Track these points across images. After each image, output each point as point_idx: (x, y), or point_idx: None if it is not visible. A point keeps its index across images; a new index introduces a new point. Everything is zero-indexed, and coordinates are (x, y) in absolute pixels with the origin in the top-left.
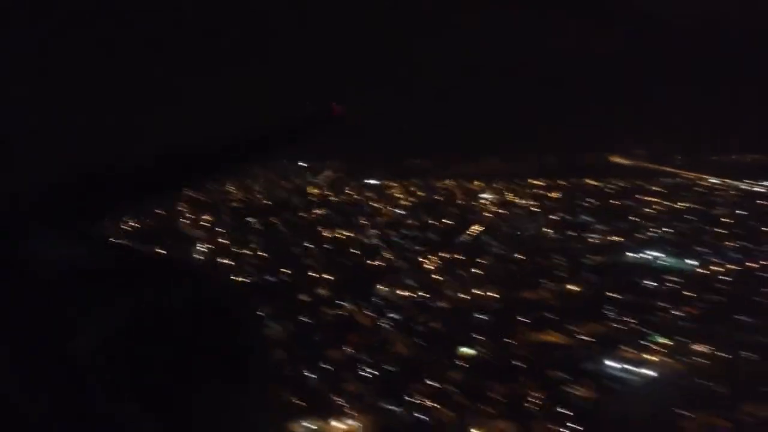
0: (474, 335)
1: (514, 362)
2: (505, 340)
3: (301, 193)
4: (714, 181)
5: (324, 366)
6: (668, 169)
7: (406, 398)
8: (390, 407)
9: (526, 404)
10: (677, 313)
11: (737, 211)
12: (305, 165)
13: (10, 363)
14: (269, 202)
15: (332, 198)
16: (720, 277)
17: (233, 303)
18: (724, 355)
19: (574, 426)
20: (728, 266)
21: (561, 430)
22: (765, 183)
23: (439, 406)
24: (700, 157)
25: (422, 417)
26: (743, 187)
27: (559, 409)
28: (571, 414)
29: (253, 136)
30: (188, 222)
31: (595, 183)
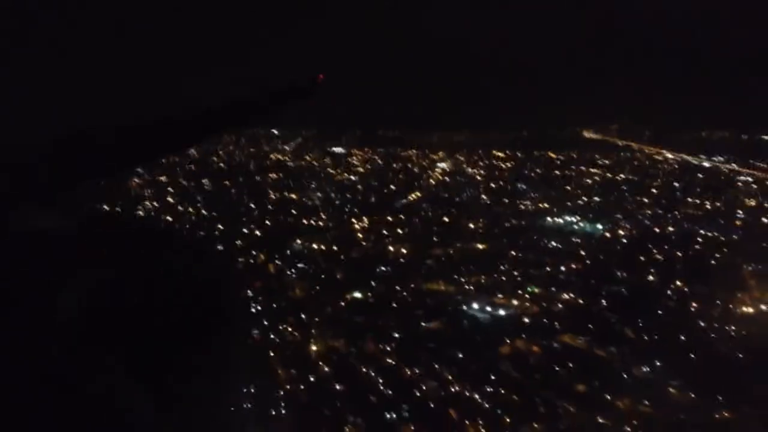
0: (372, 283)
1: (393, 304)
2: (395, 287)
3: (261, 158)
4: (669, 156)
5: None
6: (630, 143)
7: (285, 329)
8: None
9: (392, 336)
10: (562, 268)
11: (674, 183)
12: (276, 132)
13: None
14: (225, 166)
15: (290, 163)
16: (621, 239)
17: (208, 267)
18: (581, 302)
19: (429, 347)
20: (633, 230)
21: (417, 355)
22: (716, 158)
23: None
24: (669, 134)
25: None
26: (693, 161)
27: (416, 342)
28: (428, 345)
29: (231, 102)
30: (140, 182)
31: (552, 155)
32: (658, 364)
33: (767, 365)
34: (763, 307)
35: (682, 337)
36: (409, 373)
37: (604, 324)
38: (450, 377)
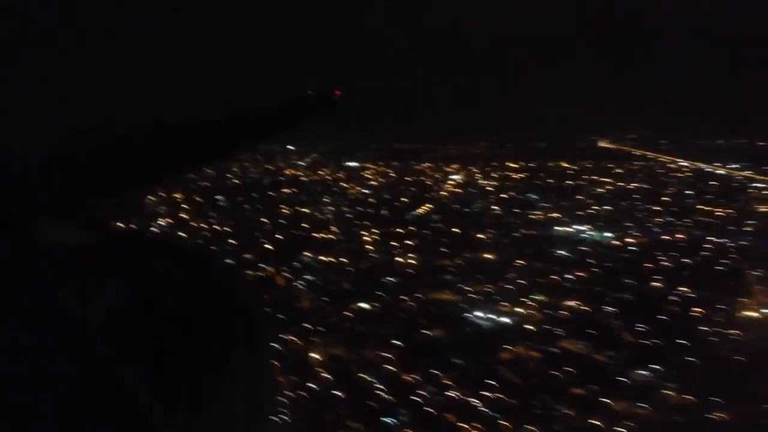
0: (378, 293)
1: (398, 314)
2: (400, 297)
3: (275, 174)
4: (683, 164)
5: None
6: (645, 152)
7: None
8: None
9: (391, 344)
10: (569, 276)
11: (685, 191)
12: (292, 148)
13: (21, 339)
14: (238, 182)
15: (303, 178)
16: (629, 247)
17: (227, 281)
18: (587, 309)
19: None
20: (641, 238)
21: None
22: (731, 166)
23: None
24: (685, 142)
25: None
26: (707, 169)
27: (418, 350)
28: (427, 352)
29: (248, 120)
30: (155, 199)
31: (566, 165)
32: (657, 367)
33: (765, 368)
34: (765, 311)
35: (683, 341)
36: (406, 378)
37: (604, 330)
38: (448, 382)
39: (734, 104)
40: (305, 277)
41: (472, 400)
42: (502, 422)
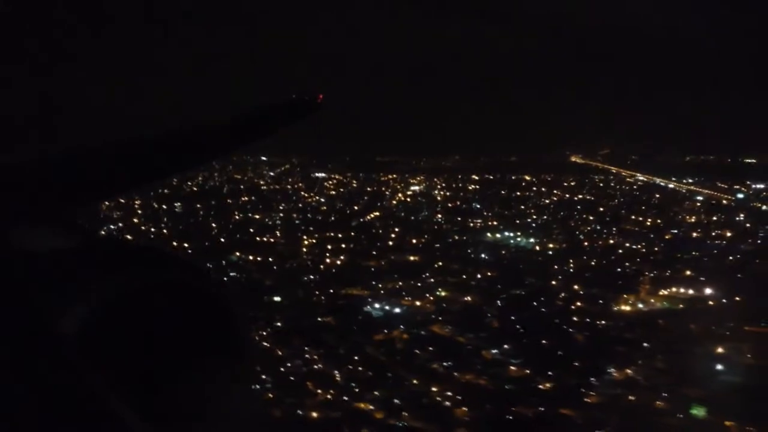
0: (294, 289)
1: (301, 305)
2: (315, 292)
3: (238, 182)
4: (641, 178)
5: None
6: (610, 167)
7: None
8: None
9: (276, 327)
10: (478, 275)
11: (625, 203)
12: (264, 159)
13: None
14: (196, 190)
15: (264, 187)
16: (546, 252)
17: (212, 286)
18: (476, 301)
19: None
20: (562, 244)
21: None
22: (686, 180)
23: None
24: (653, 158)
25: None
26: (660, 183)
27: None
28: (305, 332)
29: (230, 123)
30: (111, 204)
31: (528, 178)
32: (505, 347)
33: (609, 350)
34: (640, 305)
35: (542, 327)
36: (280, 353)
37: (479, 318)
38: (315, 357)
39: (710, 123)
40: (230, 274)
41: (335, 372)
42: (355, 389)
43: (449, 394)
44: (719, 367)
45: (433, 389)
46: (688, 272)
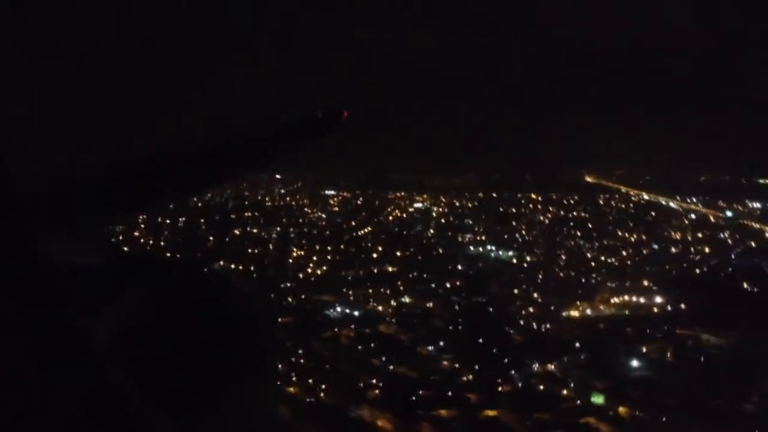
0: (269, 294)
1: (269, 307)
2: (288, 298)
3: (243, 198)
4: (646, 197)
5: None
6: (620, 187)
7: None
8: None
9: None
10: (447, 284)
11: (615, 220)
12: (279, 177)
13: (30, 357)
14: (201, 205)
15: (268, 203)
16: (520, 263)
17: (238, 299)
18: (431, 306)
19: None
20: (538, 257)
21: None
22: (689, 199)
23: None
24: (669, 177)
25: None
26: (662, 202)
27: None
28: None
29: (250, 140)
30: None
31: (533, 196)
32: (441, 344)
33: (540, 349)
34: (588, 311)
35: (479, 327)
36: None
37: (426, 319)
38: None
39: (729, 142)
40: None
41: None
42: (293, 377)
43: (374, 381)
44: (635, 363)
45: (363, 377)
46: (646, 282)
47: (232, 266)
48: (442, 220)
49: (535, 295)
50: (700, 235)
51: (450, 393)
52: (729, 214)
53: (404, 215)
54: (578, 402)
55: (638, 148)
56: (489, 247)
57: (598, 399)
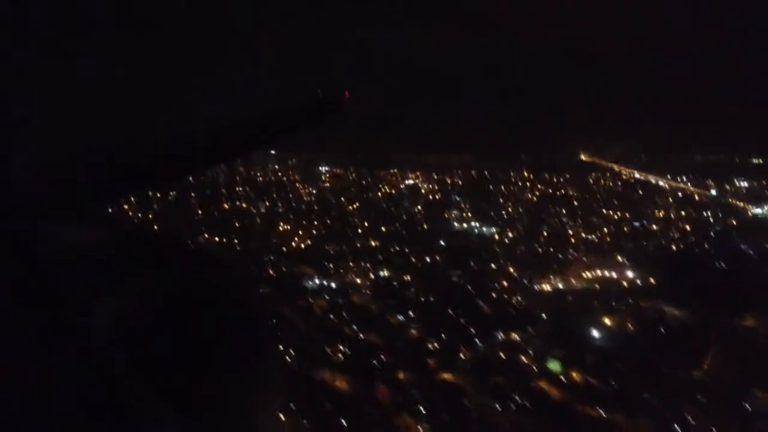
0: (252, 267)
1: (262, 287)
2: (271, 271)
3: (235, 174)
4: (638, 176)
5: None
6: (612, 165)
7: None
8: None
9: None
10: (427, 259)
11: (601, 198)
12: (273, 153)
13: (30, 357)
14: (193, 181)
15: (260, 179)
16: (501, 239)
17: (239, 286)
18: (407, 279)
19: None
20: (518, 233)
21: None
22: (680, 178)
23: None
24: (664, 157)
25: None
26: (651, 181)
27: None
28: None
29: (257, 120)
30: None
31: (525, 174)
32: (411, 314)
33: (507, 320)
34: (560, 285)
35: (448, 299)
36: None
37: (398, 292)
38: None
39: (726, 122)
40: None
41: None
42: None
43: (341, 347)
44: (596, 333)
45: (328, 343)
46: (620, 258)
47: (216, 239)
48: (430, 197)
49: (511, 269)
50: (683, 213)
51: (411, 359)
52: (713, 192)
53: (393, 191)
54: (534, 368)
55: (635, 130)
56: (473, 223)
57: (554, 366)
